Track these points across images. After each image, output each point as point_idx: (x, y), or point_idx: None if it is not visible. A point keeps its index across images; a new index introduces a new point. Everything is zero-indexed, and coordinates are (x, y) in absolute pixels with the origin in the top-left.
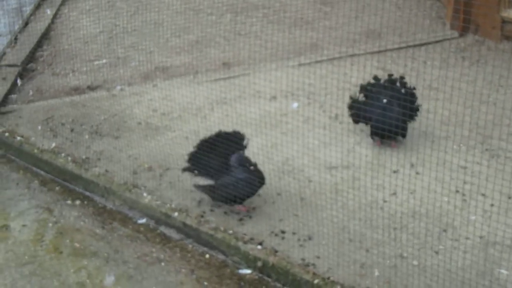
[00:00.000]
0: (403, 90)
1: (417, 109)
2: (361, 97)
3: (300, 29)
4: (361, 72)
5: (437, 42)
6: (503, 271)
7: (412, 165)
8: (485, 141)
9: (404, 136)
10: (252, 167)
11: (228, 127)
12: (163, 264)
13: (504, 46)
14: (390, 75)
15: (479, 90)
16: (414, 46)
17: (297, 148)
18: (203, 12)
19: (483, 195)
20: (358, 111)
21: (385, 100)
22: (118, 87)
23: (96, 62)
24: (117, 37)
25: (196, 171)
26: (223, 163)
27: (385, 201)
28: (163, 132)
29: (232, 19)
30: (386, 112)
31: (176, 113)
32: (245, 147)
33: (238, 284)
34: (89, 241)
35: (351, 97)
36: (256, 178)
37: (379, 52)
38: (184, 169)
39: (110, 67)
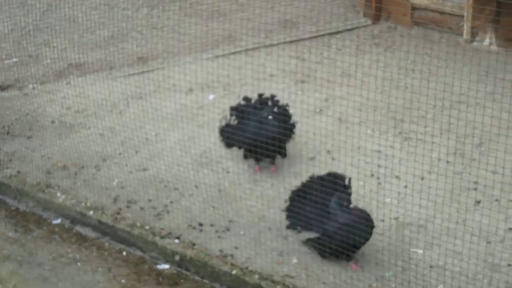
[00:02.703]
0: (275, 109)
1: (293, 127)
2: (232, 120)
3: (216, 21)
4: (277, 62)
5: (351, 30)
6: (418, 250)
7: (328, 152)
8: (397, 125)
9: (284, 156)
10: (352, 206)
11: (144, 122)
12: (79, 264)
13: (415, 32)
14: (260, 95)
15: (391, 75)
16: (329, 34)
17: (214, 140)
18: (117, 7)
19: (397, 177)
20: (230, 135)
21: (270, 117)
22: (30, 86)
23: (6, 61)
24: (29, 34)
25: (298, 227)
26: (323, 211)
27: None
28: (78, 130)
29: (148, 13)
30: (257, 132)
31: (90, 110)
32: (348, 187)
33: (157, 280)
34: (1, 245)
35: (221, 121)
36: (361, 219)
37: (294, 41)
38: (287, 227)
39: (21, 66)
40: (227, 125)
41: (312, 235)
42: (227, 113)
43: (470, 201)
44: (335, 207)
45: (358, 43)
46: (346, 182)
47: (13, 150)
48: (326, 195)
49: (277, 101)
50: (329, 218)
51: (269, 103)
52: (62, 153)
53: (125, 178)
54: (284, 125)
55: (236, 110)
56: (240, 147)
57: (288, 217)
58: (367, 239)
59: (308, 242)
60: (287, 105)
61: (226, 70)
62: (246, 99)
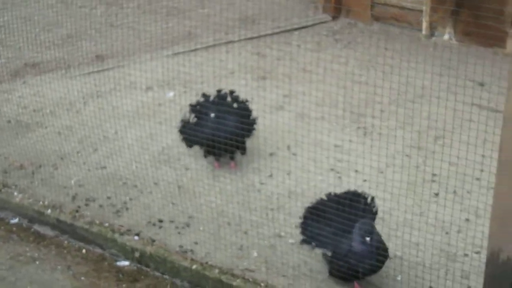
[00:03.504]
0: (235, 105)
1: (254, 123)
2: (192, 118)
3: (175, 18)
4: (237, 59)
5: (311, 26)
6: None
7: (288, 147)
8: (357, 120)
9: (243, 153)
10: (368, 239)
11: (103, 120)
12: (38, 262)
13: (375, 28)
14: (219, 91)
15: (352, 70)
16: (288, 30)
17: (173, 137)
18: (74, 5)
19: (356, 171)
20: (189, 134)
21: (212, 115)
22: None
23: None
24: None
25: (313, 243)
26: (343, 231)
27: (262, 184)
28: (35, 129)
29: (105, 11)
30: (216, 128)
31: (47, 109)
32: (374, 211)
33: (117, 277)
34: None
35: (182, 120)
36: (375, 253)
37: (254, 38)
38: (302, 242)
39: None
40: (186, 124)
41: (326, 251)
42: (187, 110)
43: (429, 193)
44: (356, 237)
45: (318, 39)
46: (369, 200)
47: None
48: (345, 214)
49: (237, 96)
50: (346, 242)
51: (228, 98)
52: (19, 153)
53: (83, 177)
54: (244, 120)
55: (195, 107)
56: (201, 146)
57: (302, 231)
58: (378, 269)
59: (324, 256)
60: (247, 101)
61: (186, 67)
62: (205, 95)
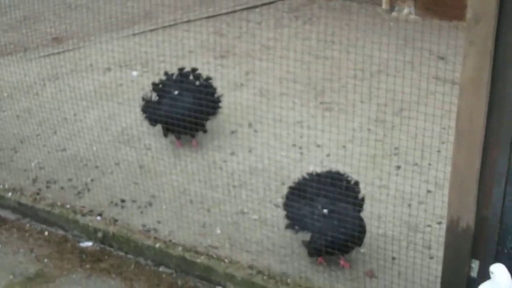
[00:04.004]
0: (197, 83)
1: (218, 101)
2: (154, 97)
3: None
4: (197, 37)
5: (270, 3)
6: None
7: (250, 125)
8: (318, 96)
9: (204, 131)
10: (325, 211)
11: (62, 102)
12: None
13: (334, 4)
14: (180, 69)
15: (313, 46)
16: (248, 8)
17: (134, 116)
18: None
19: (319, 146)
20: (152, 112)
21: (176, 92)
22: None
23: None
24: None
25: (296, 227)
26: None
27: (224, 161)
28: None
29: None
30: (175, 106)
31: (6, 92)
32: (356, 191)
33: (80, 257)
34: None
35: (143, 99)
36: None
37: (212, 17)
38: (286, 227)
39: None
40: (148, 103)
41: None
42: (147, 90)
43: (391, 166)
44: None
45: (277, 17)
46: (350, 180)
47: None
48: (323, 193)
49: (199, 74)
50: (320, 220)
51: (191, 77)
52: None
53: (43, 159)
54: (207, 97)
55: (157, 86)
56: (163, 124)
57: (286, 216)
58: (355, 244)
59: (303, 242)
60: (209, 78)
61: (145, 47)
62: (167, 74)
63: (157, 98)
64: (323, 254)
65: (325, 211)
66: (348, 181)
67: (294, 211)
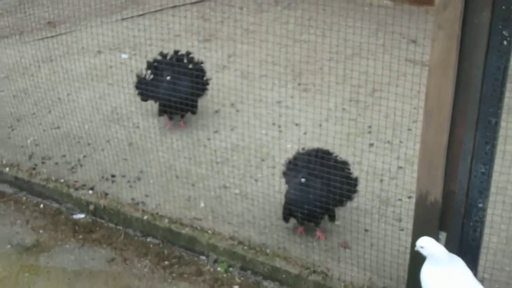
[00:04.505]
0: (190, 66)
1: (207, 83)
2: (148, 75)
3: None
4: (183, 22)
5: None
6: None
7: (232, 105)
8: (296, 78)
9: (194, 112)
10: (303, 180)
11: (56, 83)
12: None
13: None
14: (176, 52)
15: (292, 30)
16: None
17: (124, 97)
18: None
19: (297, 125)
20: (145, 89)
21: (168, 78)
22: None
23: None
24: None
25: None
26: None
27: (208, 139)
28: None
29: None
30: (172, 89)
31: (3, 74)
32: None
33: (73, 229)
34: None
35: (137, 76)
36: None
37: (198, 2)
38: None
39: None
40: (142, 80)
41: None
42: (140, 69)
43: (365, 144)
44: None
45: (259, 2)
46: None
47: None
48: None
49: (192, 57)
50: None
51: (185, 60)
52: None
53: (39, 136)
54: (198, 80)
55: (152, 64)
56: (156, 101)
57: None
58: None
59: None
60: (201, 62)
61: (133, 32)
62: (162, 54)
63: (151, 76)
64: (298, 220)
65: (303, 180)
66: (336, 160)
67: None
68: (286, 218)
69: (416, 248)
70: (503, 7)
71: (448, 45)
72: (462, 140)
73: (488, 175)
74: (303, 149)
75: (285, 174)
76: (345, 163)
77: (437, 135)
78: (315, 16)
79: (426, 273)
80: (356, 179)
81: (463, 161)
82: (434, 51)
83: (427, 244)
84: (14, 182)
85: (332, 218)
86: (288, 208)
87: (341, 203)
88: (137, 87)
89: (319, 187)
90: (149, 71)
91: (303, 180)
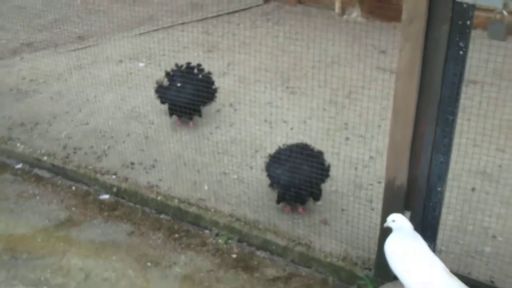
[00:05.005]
0: (200, 76)
1: (215, 91)
2: (165, 82)
3: (139, 5)
4: (190, 36)
5: (246, 9)
6: None
7: (230, 105)
8: (285, 82)
9: (200, 115)
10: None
11: (85, 87)
12: (38, 198)
13: (298, 9)
14: (188, 63)
15: (281, 43)
16: (229, 13)
17: (141, 98)
18: None
19: (284, 122)
20: (163, 94)
21: (179, 84)
22: None
23: None
24: None
25: (274, 185)
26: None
27: (210, 133)
28: (32, 95)
29: (83, 0)
30: (181, 94)
31: (41, 79)
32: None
33: (100, 207)
34: None
35: (157, 82)
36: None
37: (202, 20)
38: (269, 185)
39: None
40: (160, 86)
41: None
42: (152, 77)
43: (342, 137)
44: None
45: (254, 19)
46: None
47: None
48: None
49: (202, 69)
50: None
51: (195, 70)
52: (20, 113)
53: (71, 131)
54: (208, 87)
55: (168, 74)
56: (170, 104)
57: (268, 177)
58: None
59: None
60: (210, 73)
61: (148, 44)
62: (177, 66)
63: (168, 83)
64: (286, 200)
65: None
66: (312, 150)
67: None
68: (279, 202)
69: (386, 223)
70: (460, 22)
71: (413, 55)
72: (424, 134)
73: (446, 163)
74: (283, 145)
75: (268, 166)
76: (320, 153)
77: (403, 130)
78: (300, 30)
79: (390, 244)
80: (328, 166)
81: (425, 152)
82: (401, 59)
83: (397, 219)
84: (51, 168)
85: (316, 198)
86: (282, 193)
87: (318, 185)
88: (156, 92)
89: (303, 174)
90: (166, 79)
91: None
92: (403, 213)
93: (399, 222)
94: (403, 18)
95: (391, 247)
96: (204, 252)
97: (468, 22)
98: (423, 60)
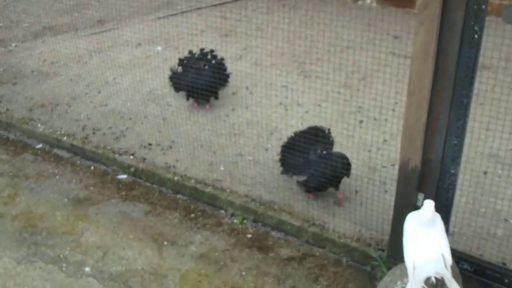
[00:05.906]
0: (213, 61)
1: (228, 76)
2: (179, 69)
3: None
4: (206, 21)
5: None
6: None
7: (246, 88)
8: (300, 66)
9: (216, 97)
10: (324, 152)
11: (104, 69)
12: (57, 177)
13: None
14: (202, 49)
15: (295, 28)
16: None
17: (159, 81)
18: None
19: (299, 105)
20: (177, 81)
21: (207, 67)
22: (13, 44)
23: None
24: (10, 5)
25: (290, 172)
26: (307, 159)
27: (226, 116)
28: (52, 77)
29: None
30: (198, 80)
31: (62, 62)
32: (330, 140)
33: (117, 187)
34: None
35: (171, 69)
36: (337, 162)
37: (219, 4)
38: (282, 173)
39: (5, 29)
40: (174, 73)
41: (300, 178)
42: (169, 61)
43: (356, 120)
44: (313, 157)
45: (269, 4)
46: (326, 132)
47: (2, 93)
48: (309, 145)
49: (215, 55)
50: (312, 164)
51: (209, 56)
52: (41, 95)
53: (90, 112)
54: (220, 72)
55: (182, 61)
56: (185, 91)
57: (282, 165)
58: (344, 176)
59: (298, 183)
60: (222, 59)
61: (167, 28)
62: (191, 52)
63: (181, 70)
64: (320, 189)
65: (324, 152)
66: (323, 131)
67: (288, 161)
68: (311, 190)
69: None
70: (475, 6)
71: (428, 38)
72: (438, 117)
73: (459, 146)
74: (295, 132)
75: (283, 158)
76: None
77: (417, 113)
78: (316, 15)
79: (409, 222)
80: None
81: (439, 134)
82: (416, 43)
83: (428, 204)
84: (71, 148)
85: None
86: (313, 183)
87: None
88: (170, 79)
89: (329, 165)
90: (180, 66)
91: (324, 152)
92: (416, 195)
93: (427, 206)
94: (418, 3)
95: (409, 225)
96: (220, 232)
97: (483, 7)
98: (438, 43)
